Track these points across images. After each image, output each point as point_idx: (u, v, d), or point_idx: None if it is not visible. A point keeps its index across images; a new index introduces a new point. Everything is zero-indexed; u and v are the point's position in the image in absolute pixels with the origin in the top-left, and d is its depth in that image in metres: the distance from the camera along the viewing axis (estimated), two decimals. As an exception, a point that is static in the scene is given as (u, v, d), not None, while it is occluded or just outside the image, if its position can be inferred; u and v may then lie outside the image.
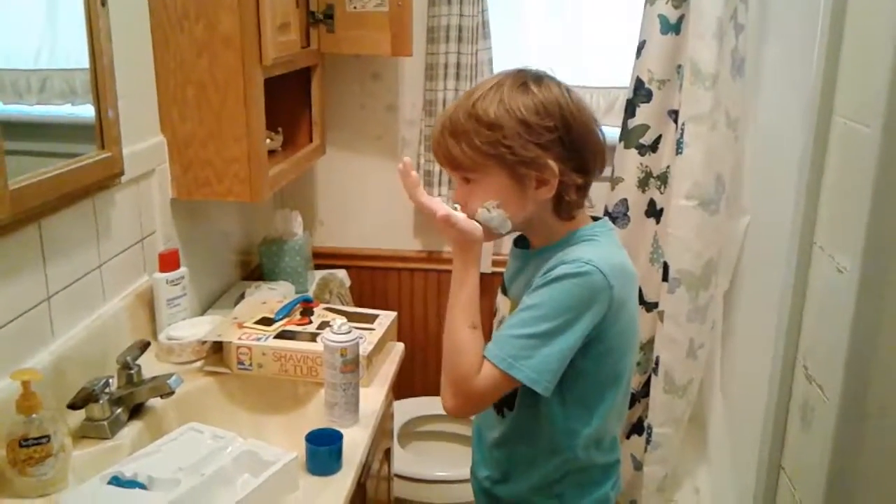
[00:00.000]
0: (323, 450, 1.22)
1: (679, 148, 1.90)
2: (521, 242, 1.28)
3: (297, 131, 2.12)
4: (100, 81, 1.37)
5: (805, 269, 1.35)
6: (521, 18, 2.33)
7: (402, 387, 2.22)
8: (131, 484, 1.09)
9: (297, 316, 1.59)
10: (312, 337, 1.50)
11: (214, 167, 1.66)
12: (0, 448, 1.11)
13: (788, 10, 1.74)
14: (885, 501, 1.20)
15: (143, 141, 1.58)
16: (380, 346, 1.55)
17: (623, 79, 2.07)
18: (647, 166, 2.03)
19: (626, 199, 2.05)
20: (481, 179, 1.13)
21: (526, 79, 1.12)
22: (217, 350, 1.53)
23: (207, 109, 1.63)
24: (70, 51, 1.37)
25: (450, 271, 1.16)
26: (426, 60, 2.25)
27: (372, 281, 2.51)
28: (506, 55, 2.27)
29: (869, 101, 1.12)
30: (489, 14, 2.22)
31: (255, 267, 2.16)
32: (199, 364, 1.53)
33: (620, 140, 2.04)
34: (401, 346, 1.67)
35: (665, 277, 1.95)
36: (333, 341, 1.31)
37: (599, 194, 2.05)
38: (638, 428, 2.15)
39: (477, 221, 1.14)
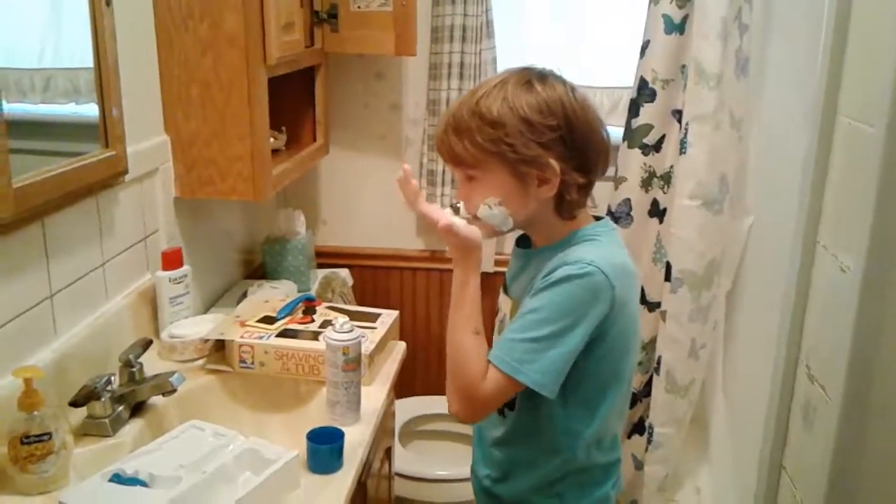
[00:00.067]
0: (324, 448, 1.22)
1: (683, 148, 1.89)
2: (522, 242, 1.28)
3: (301, 130, 2.12)
4: (104, 80, 1.37)
5: (808, 269, 1.35)
6: (524, 18, 2.33)
7: (404, 386, 2.22)
8: (132, 481, 1.09)
9: (300, 315, 1.59)
10: (314, 336, 1.50)
11: (218, 166, 1.66)
12: (1, 445, 1.11)
13: (792, 10, 1.74)
14: (886, 502, 1.20)
15: (146, 140, 1.58)
16: (381, 344, 1.56)
17: (627, 79, 2.07)
18: (650, 166, 2.03)
19: (629, 199, 2.05)
20: (483, 177, 1.13)
21: (530, 77, 1.12)
22: (219, 348, 1.53)
23: (211, 108, 1.63)
24: (74, 50, 1.37)
25: (451, 270, 1.16)
26: (430, 60, 2.25)
27: (374, 280, 2.51)
28: (509, 55, 2.27)
29: (873, 100, 1.12)
30: (493, 14, 2.22)
31: (258, 266, 2.17)
32: (201, 362, 1.53)
33: (624, 140, 2.03)
34: (402, 345, 1.67)
35: (668, 277, 1.95)
36: (335, 340, 1.31)
37: (603, 194, 2.06)
38: (639, 428, 2.15)
39: (478, 218, 1.14)
